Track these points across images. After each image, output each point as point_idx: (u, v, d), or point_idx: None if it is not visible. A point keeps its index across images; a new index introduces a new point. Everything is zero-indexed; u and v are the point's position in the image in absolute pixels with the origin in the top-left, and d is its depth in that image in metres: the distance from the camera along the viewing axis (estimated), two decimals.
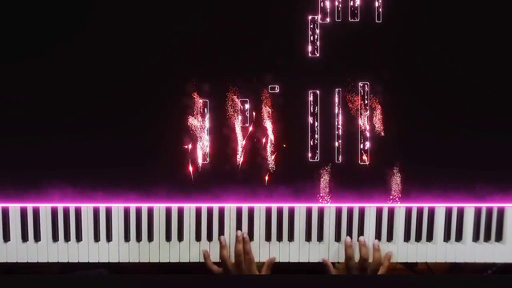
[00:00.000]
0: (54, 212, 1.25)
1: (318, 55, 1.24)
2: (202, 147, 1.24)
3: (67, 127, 1.23)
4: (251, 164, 1.25)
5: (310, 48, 1.23)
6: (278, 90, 1.24)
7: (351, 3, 1.22)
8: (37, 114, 1.23)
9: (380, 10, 1.22)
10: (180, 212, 1.26)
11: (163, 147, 1.24)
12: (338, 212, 1.27)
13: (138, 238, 1.26)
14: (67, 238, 1.26)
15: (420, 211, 1.28)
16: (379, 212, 1.27)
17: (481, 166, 1.26)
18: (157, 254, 1.27)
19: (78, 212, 1.26)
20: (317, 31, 1.23)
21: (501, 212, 1.28)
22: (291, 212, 1.27)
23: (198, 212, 1.26)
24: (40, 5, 1.20)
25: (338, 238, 1.27)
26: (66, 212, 1.25)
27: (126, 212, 1.26)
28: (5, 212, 1.25)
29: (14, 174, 1.23)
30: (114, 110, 1.23)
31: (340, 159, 1.25)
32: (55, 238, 1.25)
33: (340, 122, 1.25)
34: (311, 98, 1.24)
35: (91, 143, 1.23)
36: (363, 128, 1.24)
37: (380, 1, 1.22)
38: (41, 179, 1.23)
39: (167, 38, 1.22)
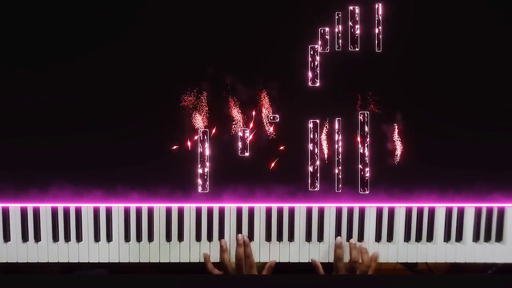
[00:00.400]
0: (54, 212, 1.25)
1: (318, 84, 1.24)
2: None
3: (68, 127, 1.23)
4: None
5: (310, 77, 1.23)
6: (278, 120, 1.25)
7: (351, 31, 1.23)
8: (37, 115, 1.23)
9: (380, 37, 1.23)
10: (180, 212, 1.26)
11: (163, 147, 1.24)
12: (338, 212, 1.27)
13: (138, 238, 1.26)
14: (67, 238, 1.26)
15: (420, 211, 1.28)
16: (379, 212, 1.27)
17: (481, 166, 1.26)
18: (157, 254, 1.27)
19: (78, 212, 1.26)
20: (317, 60, 1.23)
21: (501, 212, 1.28)
22: (291, 212, 1.27)
23: (198, 212, 1.26)
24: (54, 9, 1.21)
25: None
26: (66, 212, 1.25)
27: (126, 212, 1.26)
28: (5, 212, 1.25)
29: (15, 174, 1.23)
30: (115, 110, 1.24)
31: (340, 187, 1.26)
32: (55, 238, 1.25)
33: (340, 150, 1.25)
34: (311, 125, 1.25)
35: (92, 143, 1.23)
36: (363, 153, 1.25)
37: (380, 28, 1.22)
38: (42, 179, 1.23)
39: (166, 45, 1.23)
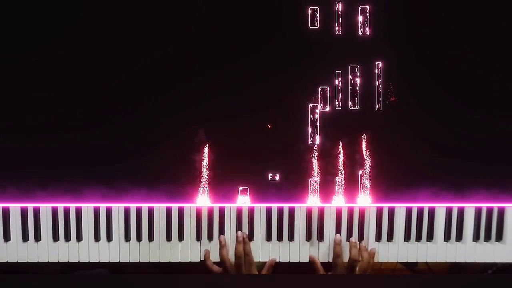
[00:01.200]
0: (54, 212, 1.25)
1: (318, 142, 1.25)
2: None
3: (68, 127, 1.23)
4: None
5: (309, 135, 1.24)
6: (278, 179, 1.25)
7: (350, 89, 1.24)
8: (37, 114, 1.23)
9: (380, 91, 1.24)
10: (181, 212, 1.26)
11: (163, 147, 1.24)
12: (339, 212, 1.27)
13: (139, 238, 1.26)
14: (67, 237, 1.26)
15: (420, 211, 1.28)
16: (379, 212, 1.27)
17: (481, 166, 1.26)
18: (158, 254, 1.27)
19: (78, 211, 1.26)
20: (317, 118, 1.24)
21: (501, 212, 1.28)
22: (291, 212, 1.27)
23: (199, 212, 1.26)
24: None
25: None
26: (66, 211, 1.25)
27: (127, 212, 1.26)
28: (6, 212, 1.25)
29: (15, 174, 1.23)
30: (115, 109, 1.24)
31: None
32: (55, 237, 1.25)
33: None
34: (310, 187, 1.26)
35: (92, 143, 1.23)
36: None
37: (380, 81, 1.23)
38: (42, 179, 1.23)
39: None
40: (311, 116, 1.24)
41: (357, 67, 1.23)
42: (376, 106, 1.24)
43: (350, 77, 1.23)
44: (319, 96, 1.24)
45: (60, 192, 1.23)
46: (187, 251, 1.27)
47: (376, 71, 1.23)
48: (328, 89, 1.24)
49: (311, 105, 1.24)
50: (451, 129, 1.25)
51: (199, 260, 1.27)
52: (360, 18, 1.22)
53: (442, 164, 1.25)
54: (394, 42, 1.23)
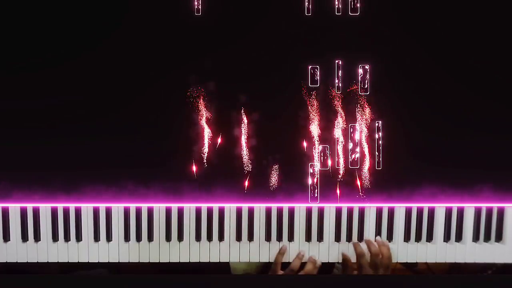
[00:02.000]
0: (54, 212, 1.25)
1: (318, 202, 1.26)
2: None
3: (68, 127, 1.23)
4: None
5: (309, 194, 1.26)
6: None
7: (350, 153, 1.26)
8: (38, 115, 1.23)
9: (381, 158, 1.25)
10: (180, 212, 1.26)
11: (163, 147, 1.24)
12: (338, 212, 1.27)
13: (138, 238, 1.26)
14: (67, 238, 1.26)
15: (420, 211, 1.28)
16: (379, 212, 1.27)
17: (481, 166, 1.26)
18: (157, 254, 1.27)
19: (78, 212, 1.26)
20: (316, 178, 1.25)
21: (501, 212, 1.28)
22: (291, 212, 1.27)
23: (198, 212, 1.26)
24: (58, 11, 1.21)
25: (338, 238, 1.27)
26: (66, 212, 1.25)
27: (126, 212, 1.26)
28: (5, 212, 1.25)
29: (14, 174, 1.23)
30: (116, 111, 1.23)
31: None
32: (55, 238, 1.25)
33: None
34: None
35: (92, 143, 1.23)
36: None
37: (380, 147, 1.24)
38: (41, 179, 1.23)
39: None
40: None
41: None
42: (376, 165, 1.26)
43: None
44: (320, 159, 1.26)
45: (60, 192, 1.23)
46: (186, 251, 1.27)
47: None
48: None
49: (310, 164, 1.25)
50: (451, 129, 1.25)
51: (198, 260, 1.27)
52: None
53: (442, 164, 1.25)
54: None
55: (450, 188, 1.26)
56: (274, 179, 1.25)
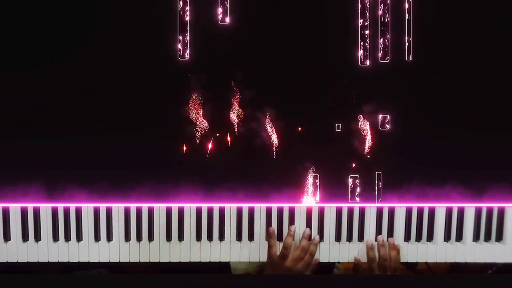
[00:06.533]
0: (54, 212, 1.25)
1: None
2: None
3: (68, 127, 1.23)
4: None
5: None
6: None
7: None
8: (38, 115, 1.23)
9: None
10: (181, 212, 1.26)
11: (163, 147, 1.24)
12: (338, 212, 1.27)
13: (139, 238, 1.26)
14: (67, 238, 1.26)
15: (420, 211, 1.28)
16: (379, 212, 1.27)
17: (481, 166, 1.26)
18: (158, 254, 1.27)
19: (78, 212, 1.26)
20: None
21: (501, 212, 1.28)
22: (291, 212, 1.27)
23: (199, 212, 1.26)
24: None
25: (338, 238, 1.27)
26: (66, 211, 1.25)
27: (127, 212, 1.26)
28: (6, 212, 1.25)
29: (15, 174, 1.23)
30: (114, 111, 1.24)
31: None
32: (55, 238, 1.25)
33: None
34: None
35: (92, 143, 1.23)
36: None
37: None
38: (42, 179, 1.23)
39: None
40: None
41: None
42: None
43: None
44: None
45: (60, 192, 1.23)
46: (187, 251, 1.27)
47: None
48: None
49: None
50: (451, 129, 1.25)
51: (199, 260, 1.27)
52: None
53: (442, 164, 1.25)
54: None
55: (450, 188, 1.26)
56: (274, 179, 1.25)
